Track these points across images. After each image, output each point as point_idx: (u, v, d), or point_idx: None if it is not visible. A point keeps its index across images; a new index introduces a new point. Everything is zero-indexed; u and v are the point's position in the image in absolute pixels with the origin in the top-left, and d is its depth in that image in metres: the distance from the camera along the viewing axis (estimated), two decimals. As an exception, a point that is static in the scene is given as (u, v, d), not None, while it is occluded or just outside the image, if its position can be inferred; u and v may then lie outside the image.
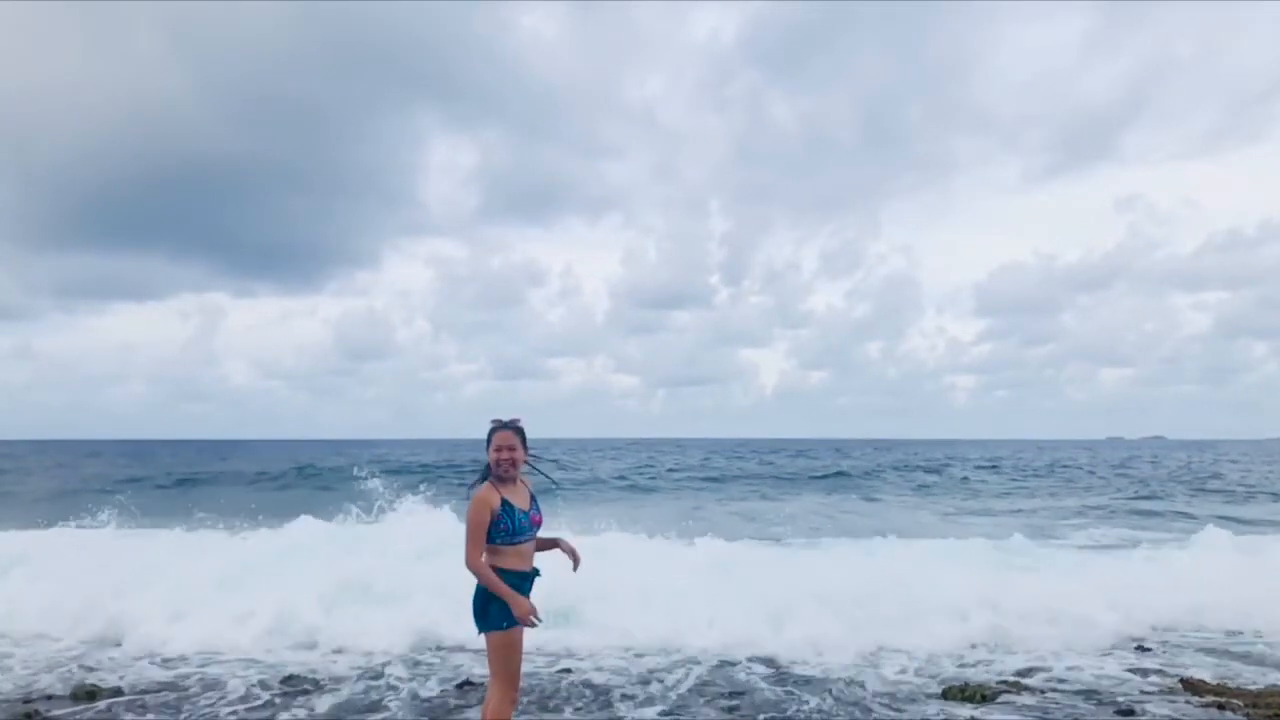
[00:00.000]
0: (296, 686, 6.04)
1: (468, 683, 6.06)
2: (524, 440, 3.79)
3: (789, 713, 5.52)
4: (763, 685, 6.13)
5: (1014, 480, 33.28)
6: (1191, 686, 6.09)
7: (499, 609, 3.61)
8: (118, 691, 5.91)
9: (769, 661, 6.77)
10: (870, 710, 5.58)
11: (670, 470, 36.33)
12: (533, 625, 3.61)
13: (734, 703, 5.74)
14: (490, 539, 3.65)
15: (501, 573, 3.63)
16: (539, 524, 3.83)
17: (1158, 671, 6.56)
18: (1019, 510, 21.91)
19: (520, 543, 3.70)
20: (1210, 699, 5.75)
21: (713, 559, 9.71)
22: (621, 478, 32.69)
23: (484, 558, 3.65)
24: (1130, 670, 6.59)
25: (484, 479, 3.75)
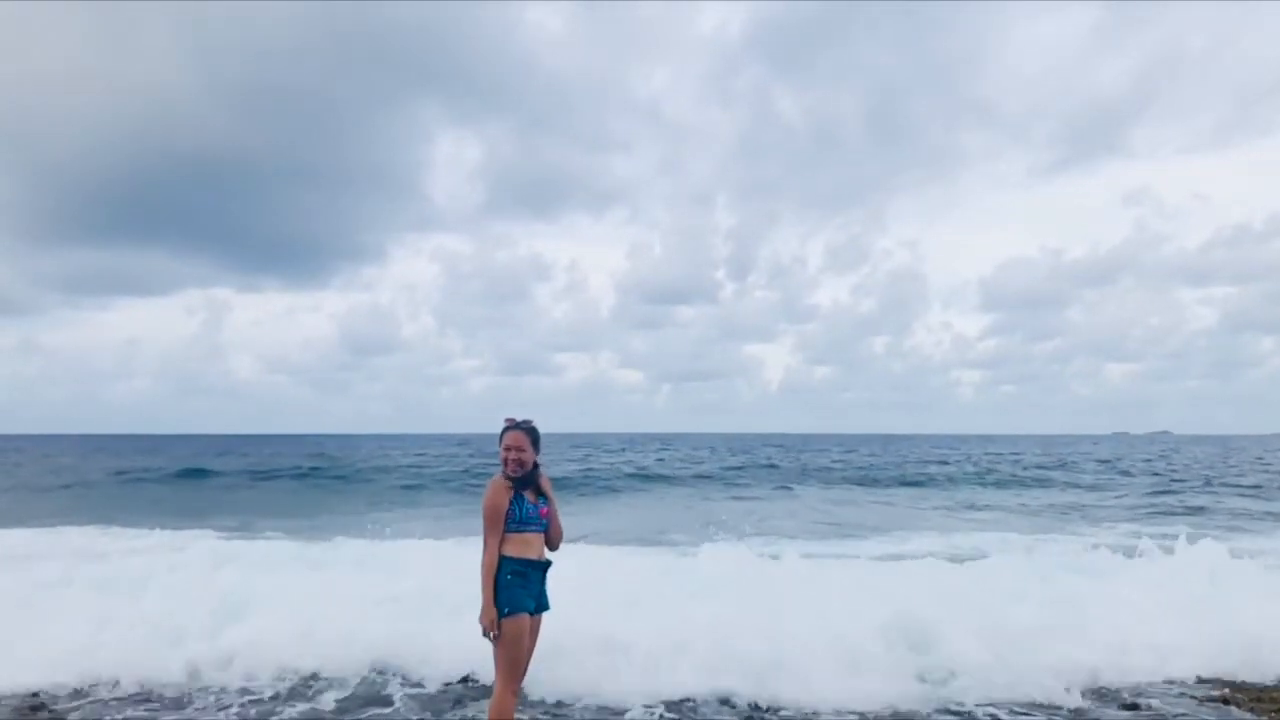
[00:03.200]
0: (301, 681, 6.06)
1: (471, 677, 6.07)
2: (535, 441, 3.88)
3: (802, 709, 5.54)
4: (769, 683, 6.09)
5: (1021, 474, 33.26)
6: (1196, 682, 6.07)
7: (503, 597, 3.68)
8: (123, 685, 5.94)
9: (776, 660, 6.73)
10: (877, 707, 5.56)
11: (676, 470, 36.35)
12: (486, 637, 3.70)
13: (743, 699, 5.74)
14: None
15: (507, 559, 3.71)
16: (546, 516, 3.91)
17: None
18: (1049, 504, 21.90)
19: (527, 532, 3.79)
20: (1216, 694, 5.74)
21: (716, 559, 9.67)
22: (638, 470, 32.90)
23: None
24: (1134, 664, 6.53)
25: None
